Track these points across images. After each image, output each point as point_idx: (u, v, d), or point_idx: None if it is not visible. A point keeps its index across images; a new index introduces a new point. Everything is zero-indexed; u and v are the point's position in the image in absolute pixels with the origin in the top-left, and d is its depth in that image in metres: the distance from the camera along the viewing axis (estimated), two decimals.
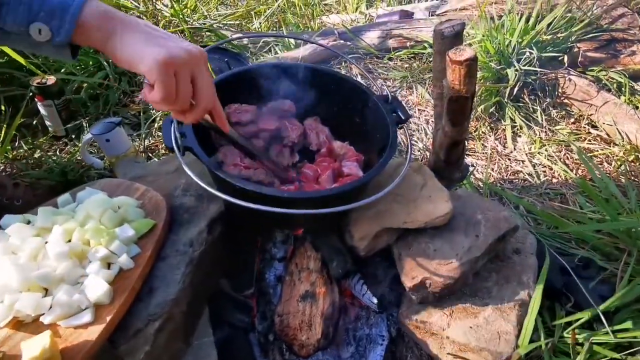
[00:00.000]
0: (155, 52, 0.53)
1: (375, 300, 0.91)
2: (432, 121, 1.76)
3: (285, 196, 0.68)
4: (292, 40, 2.19)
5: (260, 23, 2.51)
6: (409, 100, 1.88)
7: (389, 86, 1.94)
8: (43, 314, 0.59)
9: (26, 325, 0.59)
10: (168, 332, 0.68)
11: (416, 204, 0.85)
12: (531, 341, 0.81)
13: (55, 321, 0.58)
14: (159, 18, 2.28)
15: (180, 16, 2.27)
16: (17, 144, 1.47)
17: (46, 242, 0.67)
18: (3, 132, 1.41)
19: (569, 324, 0.88)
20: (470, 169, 1.48)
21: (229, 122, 0.93)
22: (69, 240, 0.68)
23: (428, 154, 1.54)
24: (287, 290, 0.88)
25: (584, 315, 0.86)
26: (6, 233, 0.67)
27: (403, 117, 0.89)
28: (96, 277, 0.62)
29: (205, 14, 2.47)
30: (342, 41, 2.08)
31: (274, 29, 2.47)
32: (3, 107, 1.53)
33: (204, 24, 2.35)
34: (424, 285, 0.82)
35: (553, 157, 1.58)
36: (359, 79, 1.96)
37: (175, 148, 0.73)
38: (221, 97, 0.92)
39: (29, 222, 0.71)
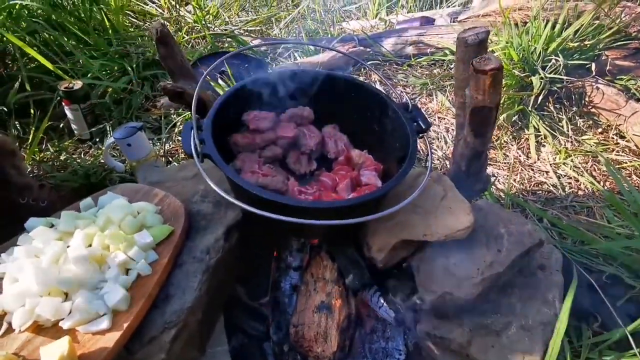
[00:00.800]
0: None
1: (392, 314, 0.89)
2: (452, 129, 1.72)
3: (303, 206, 0.67)
4: (311, 47, 2.20)
5: (280, 29, 2.53)
6: (429, 107, 1.85)
7: (409, 93, 1.92)
8: (62, 318, 0.60)
9: (46, 329, 0.60)
10: (183, 340, 0.68)
11: (436, 215, 0.83)
12: None
13: (74, 326, 0.59)
14: (182, 24, 2.33)
15: (203, 22, 2.32)
16: (44, 146, 1.52)
17: (68, 246, 0.68)
18: (32, 134, 1.46)
19: (596, 344, 0.84)
20: (492, 179, 1.44)
21: (247, 128, 0.94)
22: (90, 245, 0.69)
23: (448, 163, 1.51)
24: (302, 300, 0.87)
25: (612, 336, 0.82)
26: (30, 236, 0.69)
27: (423, 126, 0.87)
28: (114, 283, 0.63)
29: (227, 20, 2.51)
30: (361, 47, 2.07)
31: (294, 35, 2.49)
32: (32, 111, 1.59)
33: (226, 30, 2.39)
34: (444, 300, 0.80)
35: (579, 168, 1.52)
36: (378, 85, 1.94)
37: (194, 154, 0.73)
38: (240, 104, 0.94)
39: (52, 226, 0.73)
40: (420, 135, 0.87)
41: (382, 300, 0.91)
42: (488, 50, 0.79)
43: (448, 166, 1.49)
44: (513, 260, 0.80)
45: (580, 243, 1.19)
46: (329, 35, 2.44)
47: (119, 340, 0.59)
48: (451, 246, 0.83)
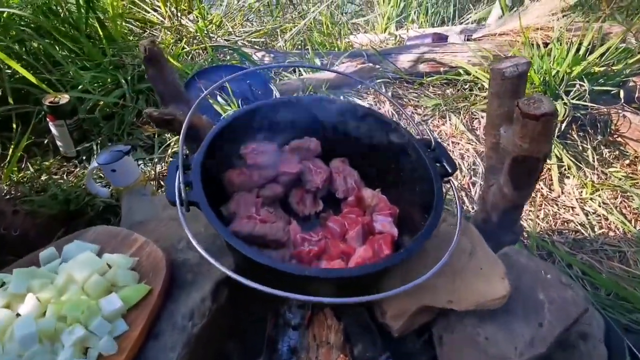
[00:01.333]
0: None
1: None
2: (467, 156, 1.60)
3: (307, 274, 0.55)
4: (317, 61, 2.09)
5: (285, 41, 2.43)
6: (442, 130, 1.73)
7: (420, 114, 1.80)
8: None
9: None
10: None
11: (463, 277, 0.70)
12: None
13: None
14: (184, 33, 2.23)
15: (205, 32, 2.21)
16: (24, 164, 1.40)
17: (17, 314, 0.55)
18: (10, 152, 1.34)
19: None
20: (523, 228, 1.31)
21: (245, 163, 0.81)
22: (44, 312, 0.56)
23: (466, 198, 1.39)
24: None
25: None
26: None
27: (450, 170, 0.75)
28: None
29: (230, 30, 2.41)
30: (370, 64, 1.97)
31: (300, 47, 2.39)
32: (14, 125, 1.47)
33: (228, 40, 2.29)
34: None
35: (608, 204, 1.40)
36: (387, 106, 1.83)
37: (178, 202, 0.60)
38: (236, 136, 0.82)
39: (2, 284, 0.60)
40: (445, 179, 0.75)
41: None
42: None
43: (466, 203, 1.37)
44: (557, 337, 0.67)
45: (615, 295, 1.06)
46: (336, 49, 2.34)
47: None
48: (482, 314, 0.69)
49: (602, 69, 1.67)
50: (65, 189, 1.27)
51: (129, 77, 1.73)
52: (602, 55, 1.67)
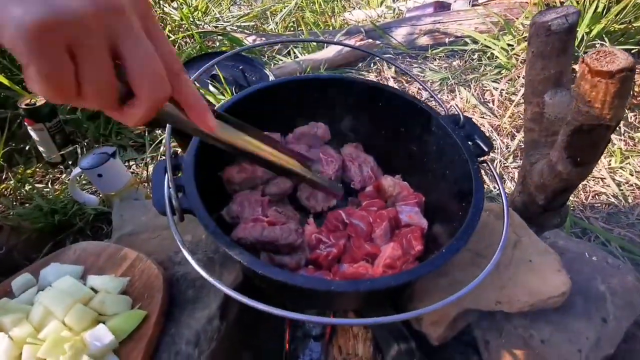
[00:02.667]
0: (21, 8, 0.28)
1: None
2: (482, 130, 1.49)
3: (333, 289, 0.45)
4: (313, 42, 1.96)
5: (276, 23, 2.29)
6: (452, 105, 1.61)
7: (427, 90, 1.68)
8: None
9: None
10: None
11: (510, 272, 0.60)
12: None
13: None
14: (168, 22, 2.09)
15: (190, 19, 2.07)
16: (4, 175, 1.29)
17: None
18: None
19: None
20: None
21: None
22: (20, 354, 0.46)
23: (484, 176, 1.28)
24: None
25: None
26: None
27: (485, 148, 0.64)
28: None
29: (218, 16, 2.26)
30: (369, 40, 1.83)
31: (292, 29, 2.24)
32: None
33: (216, 27, 2.14)
34: None
35: None
36: (391, 84, 1.71)
37: (168, 211, 0.50)
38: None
39: None
40: (481, 159, 0.64)
41: None
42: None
43: (487, 182, 1.26)
44: (624, 333, 0.57)
45: None
46: (331, 28, 2.19)
47: None
48: (533, 314, 0.60)
49: (621, 26, 1.54)
50: (51, 199, 1.16)
51: None
52: (620, 11, 1.53)
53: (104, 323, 0.50)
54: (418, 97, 1.19)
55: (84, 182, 1.26)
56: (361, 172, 0.78)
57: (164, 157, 1.37)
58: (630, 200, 1.21)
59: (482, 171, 0.61)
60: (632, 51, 1.56)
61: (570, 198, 1.21)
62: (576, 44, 1.47)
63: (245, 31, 2.16)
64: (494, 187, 1.24)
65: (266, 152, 0.58)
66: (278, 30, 2.22)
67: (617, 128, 1.43)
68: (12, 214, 1.14)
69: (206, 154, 0.60)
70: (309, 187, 0.73)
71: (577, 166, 0.54)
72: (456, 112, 0.69)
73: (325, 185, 0.69)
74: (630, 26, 1.56)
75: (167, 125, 0.55)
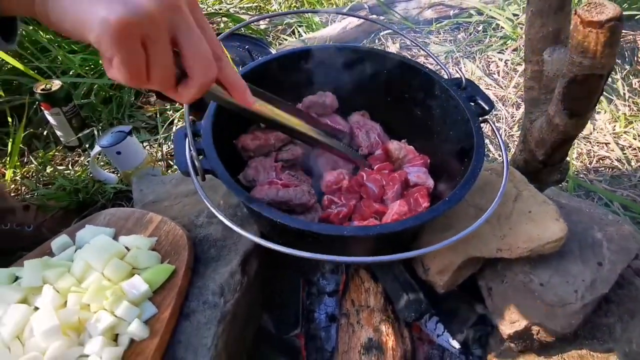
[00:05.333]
0: (105, 10, 0.34)
1: (457, 345, 0.71)
2: None
3: (345, 234, 0.49)
4: (316, 19, 1.96)
5: (279, 4, 2.28)
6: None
7: (433, 63, 1.69)
8: None
9: None
10: None
11: (511, 222, 0.64)
12: None
13: None
14: None
15: None
16: (26, 159, 1.35)
17: (36, 308, 0.51)
18: (10, 147, 1.29)
19: None
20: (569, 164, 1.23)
21: (258, 126, 0.74)
22: (65, 302, 0.52)
23: (489, 144, 1.30)
24: (344, 337, 0.69)
25: None
26: None
27: (487, 107, 0.67)
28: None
29: None
30: (374, 16, 1.83)
31: (295, 9, 2.24)
32: (10, 119, 1.40)
33: (220, 9, 2.15)
34: (529, 332, 0.62)
35: None
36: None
37: (192, 172, 0.54)
38: None
39: (16, 279, 0.56)
40: (483, 118, 0.67)
41: (442, 327, 0.73)
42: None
43: (491, 150, 1.28)
44: (619, 275, 0.61)
45: None
46: (334, 6, 2.18)
47: None
48: (533, 259, 0.64)
49: None
50: (73, 179, 1.22)
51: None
52: None
53: (138, 275, 0.55)
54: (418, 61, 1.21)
55: (101, 163, 1.32)
56: (368, 138, 0.81)
57: (178, 126, 1.42)
58: (633, 163, 1.23)
59: (487, 140, 0.64)
60: (636, 17, 1.55)
61: (575, 163, 1.23)
62: (575, 1, 1.46)
63: (249, 13, 2.16)
64: (499, 155, 1.26)
65: (295, 123, 0.65)
66: (281, 10, 2.22)
67: (622, 94, 1.43)
68: (36, 194, 1.20)
69: (221, 123, 0.64)
70: (322, 154, 0.77)
71: (573, 117, 0.57)
72: (459, 76, 0.71)
73: (351, 155, 0.74)
74: None
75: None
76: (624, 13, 1.47)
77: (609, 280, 0.60)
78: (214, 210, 0.51)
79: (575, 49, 0.48)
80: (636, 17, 1.57)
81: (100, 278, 0.54)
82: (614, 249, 0.63)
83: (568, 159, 1.21)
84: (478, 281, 0.68)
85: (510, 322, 0.62)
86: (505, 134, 1.37)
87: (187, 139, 0.57)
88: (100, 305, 0.51)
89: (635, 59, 1.54)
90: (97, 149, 1.06)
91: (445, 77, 0.74)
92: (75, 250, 0.59)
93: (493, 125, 0.66)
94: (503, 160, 0.58)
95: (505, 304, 0.63)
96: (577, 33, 0.47)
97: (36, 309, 0.51)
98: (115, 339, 0.50)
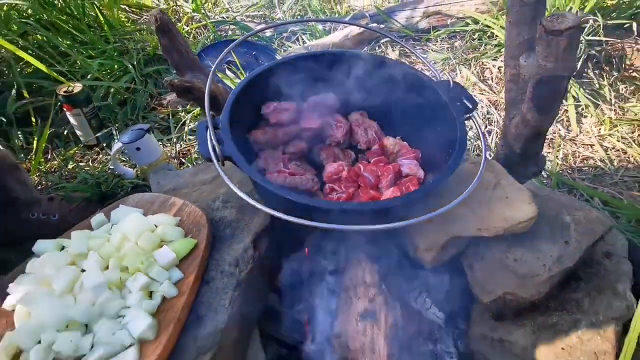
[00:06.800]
0: None
1: (442, 315, 0.80)
2: (481, 106, 1.59)
3: (345, 208, 0.58)
4: (319, 27, 2.07)
5: (284, 12, 2.39)
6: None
7: (430, 70, 1.79)
8: (84, 354, 0.52)
9: None
10: None
11: (490, 206, 0.73)
12: None
13: None
14: (181, 15, 2.22)
15: (202, 11, 2.20)
16: (49, 155, 1.45)
17: (82, 270, 0.60)
18: (35, 144, 1.39)
19: None
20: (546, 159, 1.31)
21: (267, 122, 0.84)
22: (107, 267, 0.61)
23: (478, 144, 1.39)
24: (343, 308, 0.78)
25: None
26: (39, 262, 0.61)
27: (470, 106, 0.76)
28: (138, 310, 0.55)
29: (227, 7, 2.38)
30: (374, 24, 1.93)
31: (299, 17, 2.35)
32: (33, 119, 1.51)
33: (226, 17, 2.26)
34: (503, 301, 0.70)
35: (626, 138, 1.39)
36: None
37: (213, 157, 0.64)
38: (256, 96, 0.84)
39: (62, 248, 0.65)
40: (467, 116, 0.76)
41: (429, 301, 0.82)
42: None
43: (496, 150, 1.37)
44: (584, 252, 0.70)
45: (636, 222, 1.08)
46: (337, 15, 2.29)
47: None
48: (510, 240, 0.73)
49: (614, 2, 1.61)
50: (94, 174, 1.32)
51: (135, 62, 1.75)
52: None
53: (166, 246, 0.65)
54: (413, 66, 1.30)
55: (120, 158, 1.41)
56: (366, 134, 0.90)
57: (189, 136, 1.51)
58: (615, 163, 1.31)
59: (478, 127, 0.73)
60: (625, 25, 1.64)
61: (559, 162, 1.32)
62: (549, 13, 1.56)
63: (254, 21, 2.28)
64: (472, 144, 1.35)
65: None
66: (285, 19, 2.33)
67: (609, 99, 1.52)
68: (60, 188, 1.30)
69: (236, 118, 0.74)
70: (329, 151, 0.86)
71: (541, 114, 0.66)
72: (447, 79, 0.81)
73: None
74: (621, 1, 1.63)
75: (207, 88, 0.69)
76: (613, 22, 1.58)
77: (574, 256, 0.69)
78: (233, 187, 0.60)
79: (541, 54, 0.58)
80: (625, 26, 1.66)
81: (135, 247, 0.63)
82: (580, 231, 0.72)
83: (547, 155, 1.29)
84: (462, 260, 0.77)
85: (488, 292, 0.70)
86: (497, 136, 1.47)
87: (208, 130, 0.67)
88: (137, 268, 0.60)
89: (624, 66, 1.63)
90: (118, 144, 1.16)
91: (435, 80, 0.83)
92: (112, 226, 0.69)
93: (475, 122, 0.75)
94: (482, 149, 0.67)
95: (484, 277, 0.72)
96: (542, 41, 0.56)
97: (82, 271, 0.60)
98: (150, 296, 0.60)
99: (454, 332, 0.85)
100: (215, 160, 0.63)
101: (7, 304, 0.58)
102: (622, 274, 0.79)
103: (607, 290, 0.76)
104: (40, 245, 0.65)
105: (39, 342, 0.52)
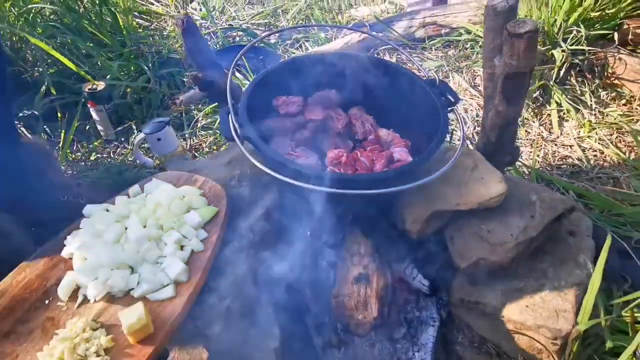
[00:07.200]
0: None
1: (426, 283, 0.91)
2: (471, 109, 1.73)
3: (346, 178, 0.70)
4: (322, 35, 2.21)
5: (288, 20, 2.54)
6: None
7: (424, 77, 1.92)
8: (132, 289, 0.64)
9: (118, 299, 0.65)
10: (237, 308, 0.72)
11: (468, 186, 0.85)
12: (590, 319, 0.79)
13: (143, 295, 0.64)
14: None
15: (210, 18, 2.35)
16: (74, 147, 1.58)
17: (126, 228, 0.72)
18: (62, 137, 1.52)
19: (627, 303, 0.85)
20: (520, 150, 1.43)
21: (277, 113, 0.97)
22: (145, 226, 0.73)
23: (469, 142, 1.52)
24: (341, 273, 0.90)
25: None
26: (91, 221, 0.73)
27: (453, 100, 0.89)
28: (173, 258, 0.67)
29: (234, 15, 2.53)
30: (373, 33, 2.07)
31: (301, 25, 2.50)
32: (59, 114, 1.64)
33: (233, 25, 2.41)
34: (477, 265, 0.82)
35: (604, 140, 1.51)
36: None
37: (235, 137, 0.76)
38: (268, 91, 0.96)
39: (107, 211, 0.78)
40: (450, 108, 0.89)
41: (415, 271, 0.94)
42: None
43: (470, 147, 1.50)
44: (546, 225, 0.82)
45: (608, 212, 1.20)
46: (338, 24, 2.44)
47: (184, 306, 0.63)
48: (484, 215, 0.85)
49: (597, 14, 1.74)
50: (116, 164, 1.44)
51: (150, 65, 1.89)
52: (596, 1, 1.74)
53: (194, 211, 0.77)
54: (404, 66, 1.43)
55: (141, 148, 1.54)
56: (363, 126, 1.03)
57: (202, 131, 1.64)
58: (592, 162, 1.44)
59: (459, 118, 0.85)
60: (607, 36, 1.78)
61: (539, 160, 1.45)
62: (556, 31, 1.69)
63: (260, 28, 2.43)
64: (458, 140, 1.47)
65: None
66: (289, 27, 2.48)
67: (590, 104, 1.65)
68: (86, 175, 1.42)
69: (252, 107, 0.86)
70: (326, 136, 0.99)
71: (510, 105, 0.79)
72: (434, 77, 0.94)
73: None
74: (605, 13, 1.77)
75: (228, 84, 0.82)
76: (597, 32, 1.71)
77: (538, 228, 0.81)
78: (251, 159, 0.72)
79: (506, 54, 0.70)
80: (607, 37, 1.79)
81: (168, 212, 0.75)
82: (544, 207, 0.84)
83: (530, 153, 1.41)
84: (444, 233, 0.89)
85: (465, 259, 0.82)
86: None
87: (230, 116, 0.79)
88: (170, 226, 0.72)
89: (605, 74, 1.77)
90: (140, 135, 1.29)
91: (424, 78, 0.96)
92: (146, 196, 0.81)
93: (457, 114, 0.88)
94: (461, 134, 0.80)
95: (461, 246, 0.84)
96: (507, 42, 0.69)
97: (125, 228, 0.72)
98: (181, 249, 0.72)
99: (437, 302, 0.96)
100: (237, 139, 0.76)
101: (65, 252, 0.70)
102: (585, 249, 0.91)
103: (569, 261, 0.88)
104: (89, 208, 0.77)
105: (96, 278, 0.64)
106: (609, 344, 0.80)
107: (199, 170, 0.99)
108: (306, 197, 0.82)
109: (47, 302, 0.65)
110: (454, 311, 0.92)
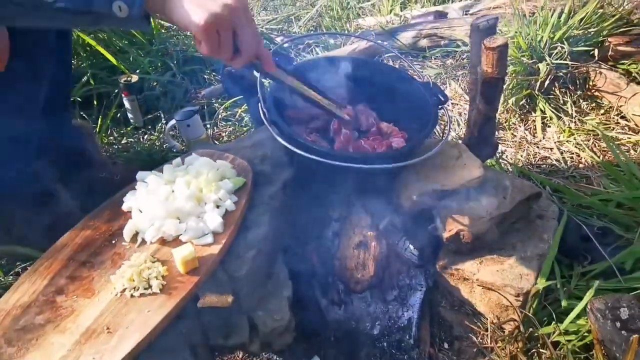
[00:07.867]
0: (197, 15, 0.59)
1: (416, 253, 1.09)
2: (465, 113, 1.90)
3: (355, 156, 0.89)
4: (332, 41, 2.40)
5: (299, 27, 2.73)
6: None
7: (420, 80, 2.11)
8: (180, 234, 0.82)
9: (169, 242, 0.82)
10: (259, 260, 0.89)
11: (453, 170, 1.03)
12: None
13: (189, 240, 0.81)
14: None
15: None
16: (108, 132, 1.76)
17: (172, 190, 0.90)
18: (100, 121, 1.71)
19: (585, 275, 1.02)
20: (500, 150, 1.60)
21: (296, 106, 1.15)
22: (188, 188, 0.91)
23: (458, 138, 1.70)
24: (343, 240, 1.07)
25: (598, 267, 1.00)
26: (145, 183, 0.91)
27: (443, 99, 1.07)
28: (212, 213, 0.85)
29: None
30: (379, 41, 2.26)
31: (313, 32, 2.69)
32: (95, 102, 1.83)
33: None
34: (458, 236, 0.99)
35: (581, 145, 1.69)
36: None
37: (264, 119, 0.94)
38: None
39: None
40: (441, 106, 1.07)
41: (407, 243, 1.11)
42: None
43: (459, 141, 1.68)
44: (516, 205, 1.00)
45: (579, 205, 1.37)
46: (346, 32, 2.63)
47: (221, 250, 0.80)
48: (466, 195, 1.02)
49: (581, 32, 1.93)
50: (147, 147, 1.62)
51: (175, 62, 2.07)
52: (581, 19, 1.93)
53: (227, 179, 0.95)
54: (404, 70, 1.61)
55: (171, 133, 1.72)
56: (367, 120, 1.21)
57: (222, 122, 1.81)
58: (568, 163, 1.61)
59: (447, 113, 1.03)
60: (590, 53, 1.96)
61: (520, 158, 1.62)
62: (542, 47, 1.88)
63: (273, 33, 2.61)
64: (451, 139, 1.65)
65: (304, 89, 1.01)
66: (301, 33, 2.67)
67: (570, 113, 1.82)
68: (119, 156, 1.60)
69: (277, 98, 1.04)
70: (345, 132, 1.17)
71: (487, 104, 0.97)
72: (428, 80, 1.12)
73: (337, 115, 1.11)
74: (588, 31, 1.95)
75: (259, 77, 1.00)
76: (580, 49, 1.89)
77: (508, 206, 0.99)
78: (277, 137, 0.90)
79: (483, 63, 0.89)
80: (590, 53, 1.98)
81: (207, 179, 0.93)
82: (515, 190, 1.02)
83: (509, 155, 1.58)
84: (433, 210, 1.07)
85: (448, 230, 1.00)
86: None
87: (259, 104, 0.97)
88: (209, 190, 0.90)
89: (587, 86, 1.95)
90: (172, 121, 1.47)
91: (420, 81, 1.14)
92: (187, 167, 0.99)
93: (446, 111, 1.06)
94: (447, 126, 0.97)
95: (446, 220, 1.02)
96: (483, 54, 0.87)
97: (172, 191, 0.90)
98: (217, 208, 0.89)
99: (425, 272, 1.13)
100: (265, 122, 0.94)
101: (125, 206, 0.88)
102: (549, 228, 1.08)
103: (535, 238, 1.06)
104: (141, 173, 0.95)
105: (152, 225, 0.82)
106: (564, 304, 0.97)
107: (227, 151, 1.17)
108: (316, 174, 1.00)
109: (113, 242, 0.83)
110: (438, 279, 1.09)
